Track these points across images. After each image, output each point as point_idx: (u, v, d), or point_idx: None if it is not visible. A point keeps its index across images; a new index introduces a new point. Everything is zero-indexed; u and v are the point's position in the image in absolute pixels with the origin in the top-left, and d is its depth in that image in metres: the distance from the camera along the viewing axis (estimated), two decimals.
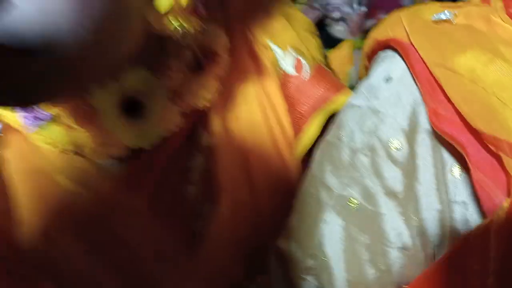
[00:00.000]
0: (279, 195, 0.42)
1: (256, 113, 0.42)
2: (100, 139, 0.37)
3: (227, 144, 0.41)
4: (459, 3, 0.39)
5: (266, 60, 0.43)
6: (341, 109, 0.41)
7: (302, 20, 0.47)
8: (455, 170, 0.34)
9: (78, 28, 0.24)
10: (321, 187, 0.38)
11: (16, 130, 0.38)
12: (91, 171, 0.39)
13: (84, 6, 0.24)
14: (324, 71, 0.44)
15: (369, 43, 0.43)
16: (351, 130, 0.37)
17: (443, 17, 0.37)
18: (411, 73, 0.36)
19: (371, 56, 0.43)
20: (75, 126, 0.36)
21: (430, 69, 0.34)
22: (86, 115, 0.37)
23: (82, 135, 0.37)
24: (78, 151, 0.38)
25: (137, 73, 0.37)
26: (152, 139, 0.38)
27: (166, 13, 0.32)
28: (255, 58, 0.43)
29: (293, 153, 0.43)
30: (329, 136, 0.40)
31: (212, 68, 0.39)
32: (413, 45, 0.36)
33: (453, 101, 0.32)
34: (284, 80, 0.43)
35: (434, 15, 0.37)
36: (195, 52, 0.39)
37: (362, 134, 0.36)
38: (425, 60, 0.34)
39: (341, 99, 0.42)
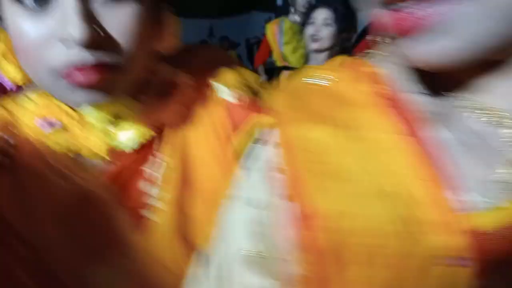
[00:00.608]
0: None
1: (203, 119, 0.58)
2: (94, 143, 0.53)
3: (177, 155, 0.56)
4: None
5: (213, 94, 0.60)
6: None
7: (248, 72, 0.65)
8: None
9: None
10: None
11: (26, 141, 0.51)
12: (79, 167, 0.53)
13: None
14: (256, 103, 0.60)
15: None
16: None
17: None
18: None
19: None
20: (77, 134, 0.52)
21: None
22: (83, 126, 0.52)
23: (82, 140, 0.53)
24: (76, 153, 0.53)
25: (124, 99, 0.53)
26: (133, 145, 0.54)
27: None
28: (206, 92, 0.60)
29: (231, 145, 0.56)
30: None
31: (178, 95, 0.56)
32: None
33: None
34: (226, 104, 0.59)
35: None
36: (168, 85, 0.56)
37: None
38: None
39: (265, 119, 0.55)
